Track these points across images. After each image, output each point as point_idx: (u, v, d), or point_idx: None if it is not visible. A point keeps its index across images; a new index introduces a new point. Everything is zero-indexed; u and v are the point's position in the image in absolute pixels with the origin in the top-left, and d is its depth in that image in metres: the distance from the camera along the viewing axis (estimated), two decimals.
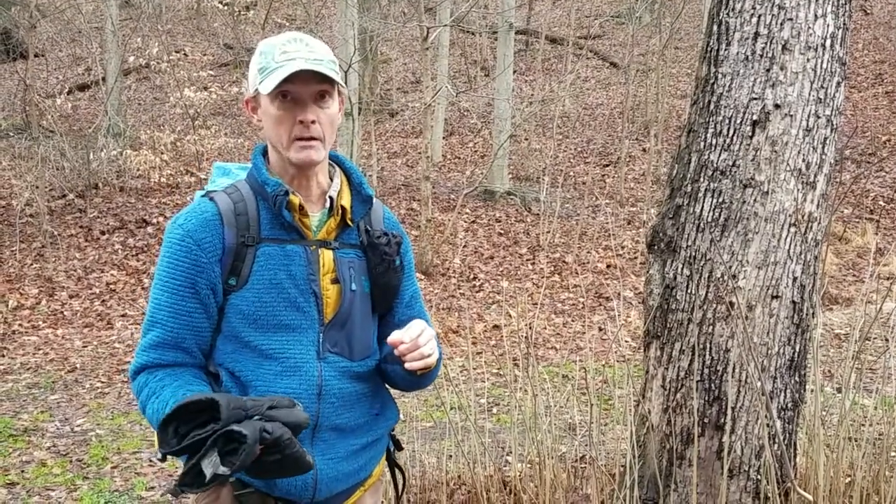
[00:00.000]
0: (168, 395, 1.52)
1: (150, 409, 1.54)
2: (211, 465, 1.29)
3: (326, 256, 1.66)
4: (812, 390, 3.04)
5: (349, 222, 1.71)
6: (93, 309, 8.11)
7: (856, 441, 3.07)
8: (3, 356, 6.90)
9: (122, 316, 7.98)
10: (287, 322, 1.61)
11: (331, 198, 1.69)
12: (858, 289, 8.56)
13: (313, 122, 1.58)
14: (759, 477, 2.85)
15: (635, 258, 10.00)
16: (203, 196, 1.69)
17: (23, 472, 4.37)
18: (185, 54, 13.07)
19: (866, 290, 5.23)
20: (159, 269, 1.61)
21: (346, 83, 9.24)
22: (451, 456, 3.67)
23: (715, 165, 2.87)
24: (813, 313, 2.98)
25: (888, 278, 7.53)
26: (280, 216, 1.62)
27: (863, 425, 3.23)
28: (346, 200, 1.71)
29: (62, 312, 8.04)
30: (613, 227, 11.03)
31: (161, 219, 9.94)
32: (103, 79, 12.98)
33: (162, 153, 10.34)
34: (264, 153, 1.70)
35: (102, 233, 9.61)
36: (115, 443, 4.81)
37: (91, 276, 8.75)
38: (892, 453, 3.04)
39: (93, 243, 9.41)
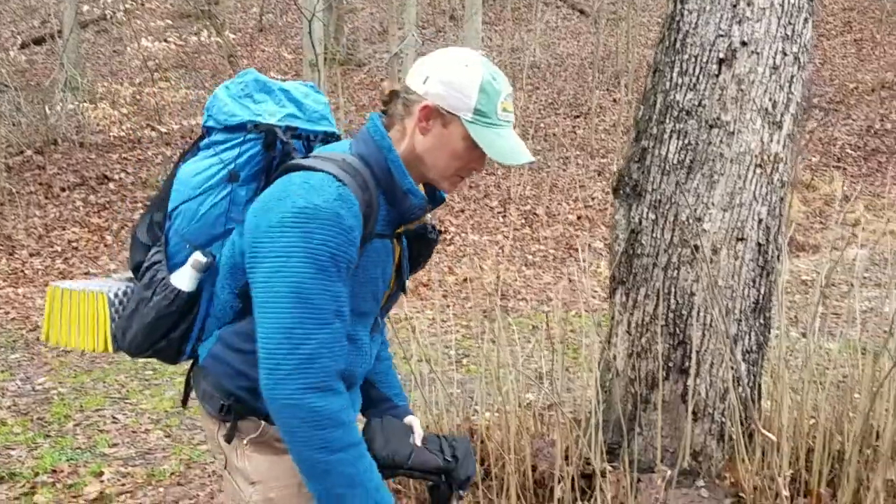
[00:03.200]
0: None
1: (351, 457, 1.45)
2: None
3: (397, 249, 1.65)
4: (777, 335, 3.03)
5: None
6: (54, 267, 7.94)
7: (820, 384, 3.08)
8: None
9: (85, 274, 7.82)
10: (365, 310, 1.60)
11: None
12: (825, 236, 8.63)
13: None
14: (723, 419, 2.85)
15: (605, 209, 9.99)
16: (314, 170, 1.48)
17: None
18: (141, 3, 12.64)
19: (832, 237, 5.25)
20: (319, 255, 1.40)
21: (310, 32, 9.02)
22: (419, 407, 3.64)
23: (681, 106, 2.81)
24: (778, 256, 2.96)
25: (853, 225, 7.59)
26: (398, 218, 1.59)
27: (827, 368, 3.24)
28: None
29: (23, 271, 7.87)
30: (584, 178, 11.01)
31: (123, 174, 9.72)
32: (59, 32, 12.56)
33: (121, 107, 10.06)
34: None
35: (63, 189, 9.38)
36: (78, 401, 4.73)
37: (52, 234, 8.56)
38: (856, 395, 3.05)
39: (53, 200, 9.19)
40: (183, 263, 1.60)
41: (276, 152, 1.60)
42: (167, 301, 1.57)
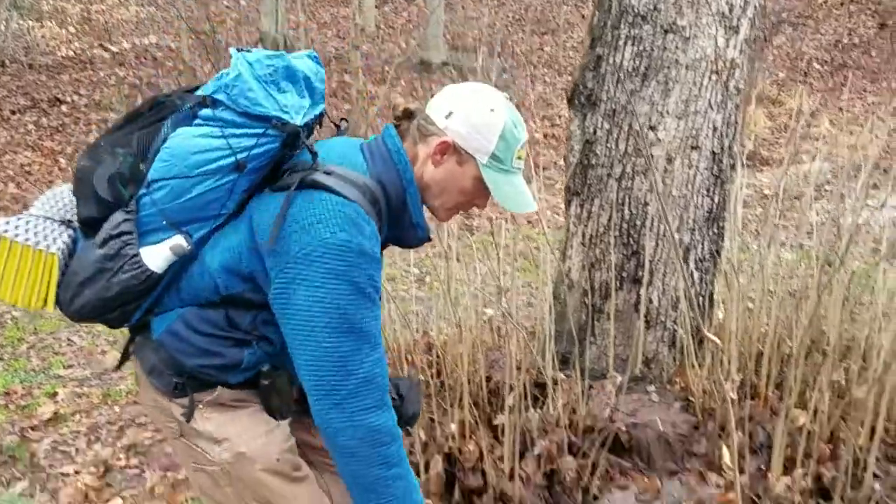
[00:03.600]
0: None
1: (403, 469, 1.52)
2: None
3: None
4: (729, 247, 3.04)
5: None
6: (7, 192, 7.73)
7: (774, 292, 3.11)
8: None
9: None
10: None
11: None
12: (790, 150, 8.65)
13: None
14: (675, 327, 2.87)
15: None
16: (337, 196, 1.46)
17: None
18: None
19: (794, 151, 5.25)
20: (365, 287, 1.43)
21: None
22: None
23: (636, 10, 2.72)
24: (733, 165, 2.93)
25: (817, 139, 7.60)
26: (391, 239, 1.63)
27: (783, 277, 3.27)
28: None
29: None
30: (551, 96, 10.88)
31: (76, 97, 9.39)
32: None
33: (69, 25, 9.65)
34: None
35: (13, 112, 9.07)
36: (32, 324, 4.67)
37: (3, 159, 8.30)
38: (808, 302, 3.09)
39: (3, 124, 8.89)
40: (152, 235, 1.49)
41: (290, 151, 1.52)
42: (136, 281, 1.48)
